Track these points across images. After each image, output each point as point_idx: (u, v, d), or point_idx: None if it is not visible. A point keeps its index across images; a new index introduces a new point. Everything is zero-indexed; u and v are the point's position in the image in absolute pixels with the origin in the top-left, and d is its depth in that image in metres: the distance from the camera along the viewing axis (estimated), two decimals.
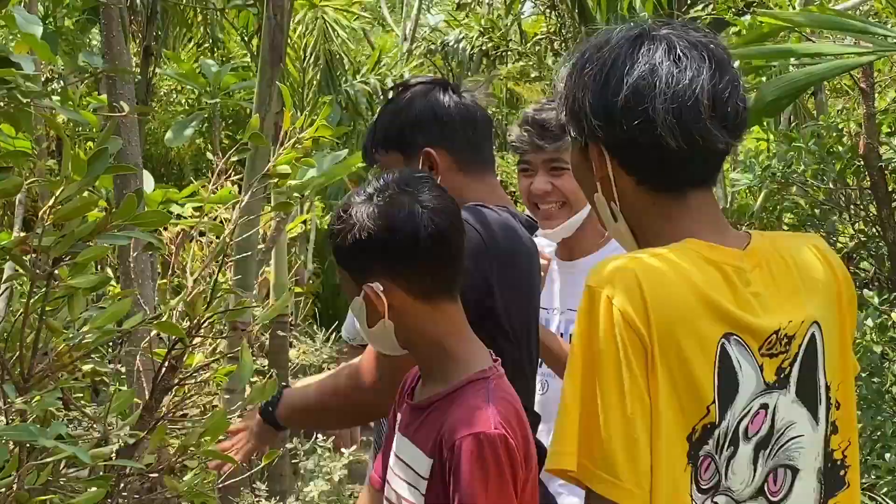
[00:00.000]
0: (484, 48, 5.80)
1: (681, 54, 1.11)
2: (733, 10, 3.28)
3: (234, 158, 1.46)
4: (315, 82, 4.68)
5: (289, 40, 4.08)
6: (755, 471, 1.11)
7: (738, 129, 1.14)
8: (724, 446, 1.09)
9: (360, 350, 1.87)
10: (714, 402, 1.06)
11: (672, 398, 1.05)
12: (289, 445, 4.18)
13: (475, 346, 1.39)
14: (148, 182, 1.90)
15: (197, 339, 1.28)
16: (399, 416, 1.42)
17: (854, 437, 1.21)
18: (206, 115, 3.89)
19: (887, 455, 2.44)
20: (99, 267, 1.69)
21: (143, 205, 1.40)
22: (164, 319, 1.23)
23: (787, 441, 1.14)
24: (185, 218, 1.92)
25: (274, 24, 2.54)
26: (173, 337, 1.25)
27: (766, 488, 1.12)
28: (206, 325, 1.26)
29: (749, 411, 1.10)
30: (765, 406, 1.11)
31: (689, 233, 1.14)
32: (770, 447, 1.12)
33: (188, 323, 1.26)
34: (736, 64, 1.19)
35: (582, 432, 1.05)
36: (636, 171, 1.15)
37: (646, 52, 1.11)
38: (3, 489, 1.18)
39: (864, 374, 2.52)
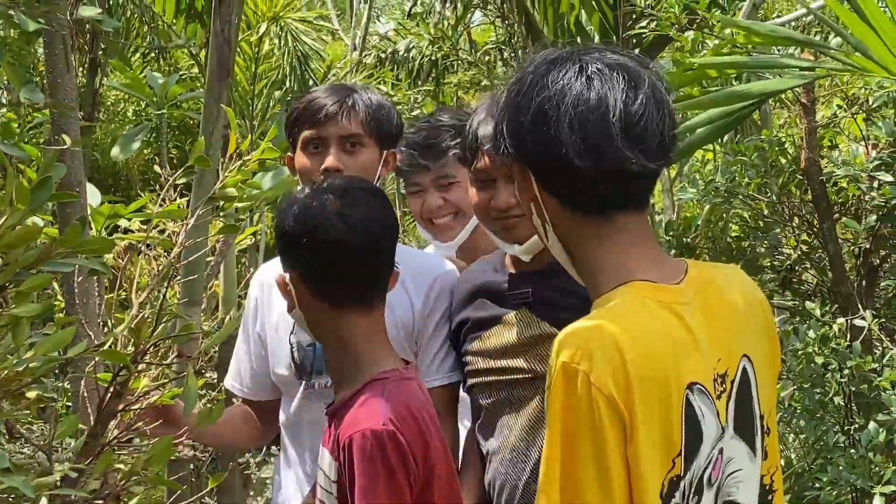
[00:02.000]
0: (434, 57, 5.95)
1: (592, 75, 1.09)
2: (676, 26, 3.29)
3: (181, 178, 1.48)
4: (263, 94, 4.74)
5: (241, 50, 4.19)
6: None
7: (660, 153, 1.11)
8: (689, 497, 1.08)
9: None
10: (680, 454, 1.06)
11: (654, 457, 1.04)
12: (240, 459, 4.14)
13: (383, 352, 1.44)
14: (94, 196, 1.89)
15: (142, 366, 1.29)
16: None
17: (778, 460, 1.24)
18: (153, 126, 3.91)
19: (829, 467, 2.46)
20: (45, 289, 1.68)
21: (88, 230, 1.40)
22: (108, 346, 1.23)
23: (727, 477, 1.13)
24: (132, 232, 1.96)
25: (222, 40, 2.62)
26: (117, 364, 1.26)
27: None
28: (151, 350, 1.27)
29: (711, 459, 1.10)
30: (721, 450, 1.11)
31: (625, 263, 1.12)
32: (718, 487, 1.12)
33: (133, 349, 1.26)
34: (662, 86, 1.14)
35: (565, 489, 1.03)
36: (556, 192, 1.13)
37: (557, 73, 1.10)
38: None
39: (805, 386, 2.58)
